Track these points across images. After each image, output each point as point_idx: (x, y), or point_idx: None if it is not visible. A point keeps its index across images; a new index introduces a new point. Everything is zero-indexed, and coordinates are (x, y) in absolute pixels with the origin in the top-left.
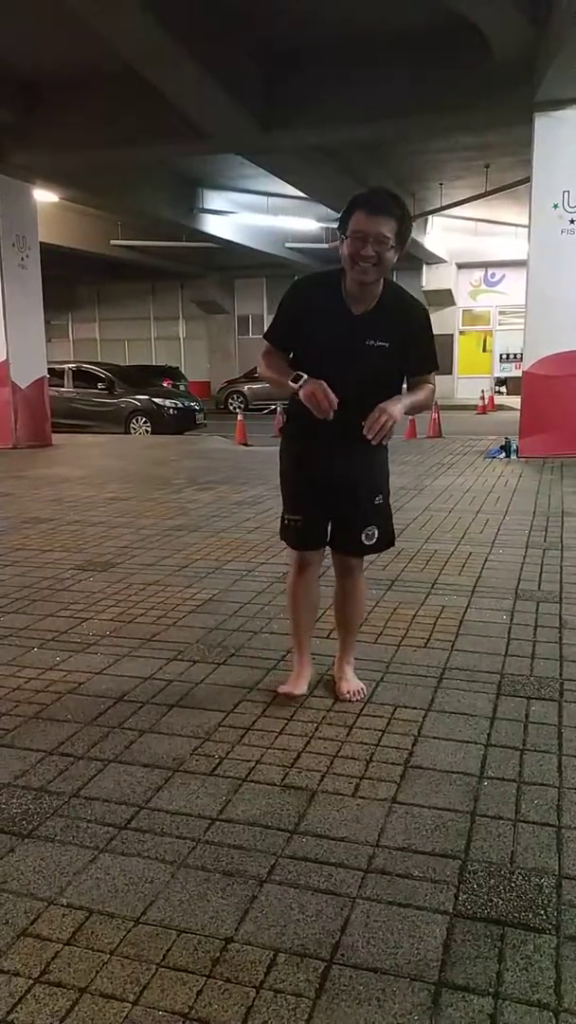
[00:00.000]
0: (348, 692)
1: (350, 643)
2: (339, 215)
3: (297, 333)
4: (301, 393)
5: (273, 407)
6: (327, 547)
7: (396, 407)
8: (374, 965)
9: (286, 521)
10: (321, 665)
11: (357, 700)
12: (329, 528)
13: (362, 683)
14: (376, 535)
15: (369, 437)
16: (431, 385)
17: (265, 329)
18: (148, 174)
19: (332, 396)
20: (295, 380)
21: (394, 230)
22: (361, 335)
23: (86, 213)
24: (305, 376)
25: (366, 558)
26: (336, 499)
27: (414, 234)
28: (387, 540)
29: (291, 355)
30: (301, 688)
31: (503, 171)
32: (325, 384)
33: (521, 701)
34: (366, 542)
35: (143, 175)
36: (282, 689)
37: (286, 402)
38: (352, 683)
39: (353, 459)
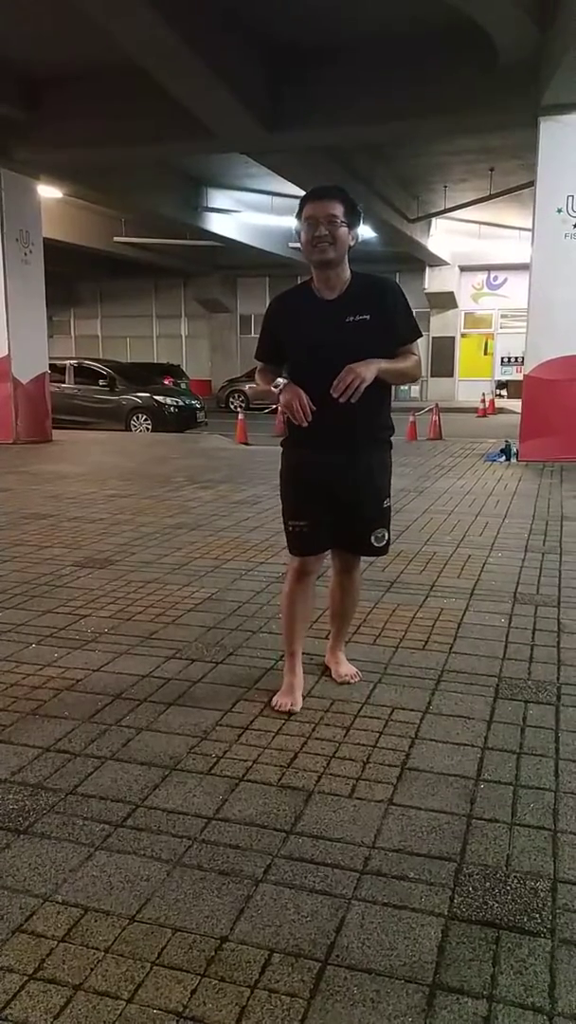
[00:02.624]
0: (347, 675)
1: (344, 631)
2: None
3: (282, 343)
4: (280, 399)
5: (274, 406)
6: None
7: (367, 368)
8: (369, 966)
9: (291, 528)
10: (321, 665)
11: (356, 681)
12: (332, 531)
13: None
14: (385, 537)
15: (335, 396)
16: (415, 356)
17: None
18: (152, 172)
19: (307, 405)
20: (276, 386)
21: (341, 210)
22: (340, 314)
23: (90, 209)
24: (284, 382)
25: (364, 558)
26: (341, 502)
27: (418, 236)
28: (388, 543)
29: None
30: (299, 702)
31: (507, 174)
32: (302, 393)
33: (518, 704)
34: (376, 544)
35: (147, 173)
36: (280, 706)
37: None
38: (349, 666)
39: (355, 460)
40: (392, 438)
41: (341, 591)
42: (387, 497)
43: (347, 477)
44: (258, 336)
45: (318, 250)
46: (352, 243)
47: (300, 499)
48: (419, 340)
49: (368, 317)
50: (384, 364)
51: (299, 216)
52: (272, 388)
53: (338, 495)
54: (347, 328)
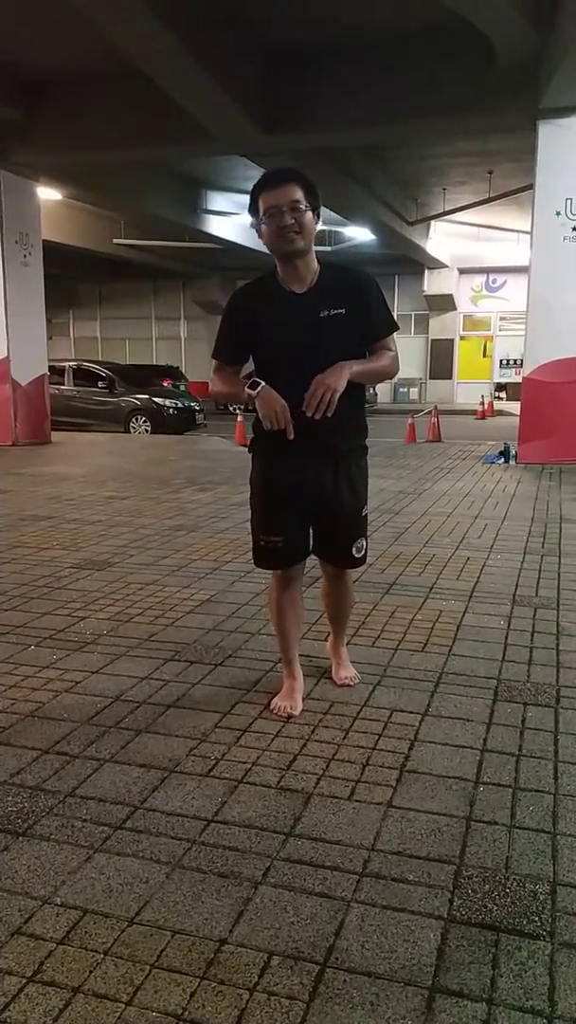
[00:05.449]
0: (346, 677)
1: (343, 631)
2: (342, 218)
3: (244, 342)
4: (258, 403)
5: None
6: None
7: (337, 376)
8: (368, 969)
9: (263, 543)
10: (320, 667)
11: (355, 684)
12: (311, 538)
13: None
14: (364, 547)
15: (308, 415)
16: (391, 352)
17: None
18: (151, 174)
19: (287, 413)
20: (252, 387)
21: (302, 194)
22: (313, 309)
23: (89, 212)
24: (262, 384)
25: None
26: (320, 514)
27: (416, 239)
28: (366, 552)
29: (251, 361)
30: (299, 705)
31: (506, 177)
32: (283, 402)
33: (517, 707)
34: (356, 555)
35: (146, 175)
36: (280, 710)
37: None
38: (349, 669)
39: (335, 468)
40: (367, 440)
41: (335, 595)
42: (364, 505)
43: (327, 487)
44: (217, 334)
45: (287, 240)
46: (315, 228)
47: (275, 512)
48: (395, 334)
49: (344, 311)
50: (357, 367)
51: (253, 208)
52: (247, 391)
53: (317, 506)
54: (322, 324)
